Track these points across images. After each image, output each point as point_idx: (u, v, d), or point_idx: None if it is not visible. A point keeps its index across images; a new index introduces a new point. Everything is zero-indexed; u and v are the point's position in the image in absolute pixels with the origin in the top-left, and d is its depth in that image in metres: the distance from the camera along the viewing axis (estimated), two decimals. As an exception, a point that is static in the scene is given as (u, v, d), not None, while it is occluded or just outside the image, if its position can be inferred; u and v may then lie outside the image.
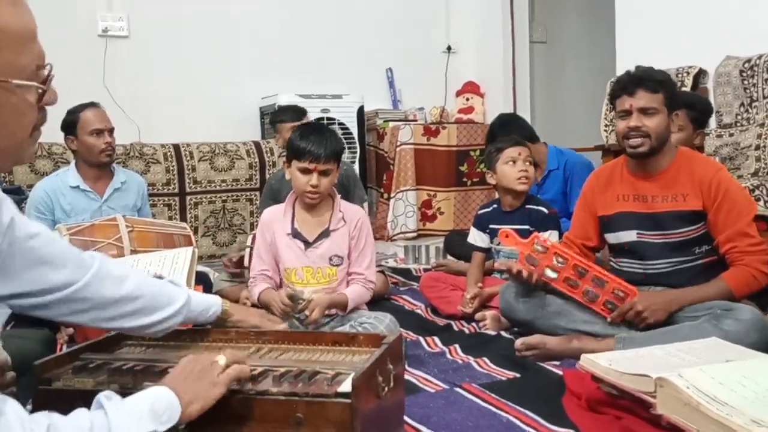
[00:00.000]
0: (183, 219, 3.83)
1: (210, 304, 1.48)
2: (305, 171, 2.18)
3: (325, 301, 2.11)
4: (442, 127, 4.68)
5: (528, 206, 2.70)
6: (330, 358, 1.34)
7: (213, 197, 3.97)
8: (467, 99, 5.10)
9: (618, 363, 1.56)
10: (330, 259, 2.24)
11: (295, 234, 2.26)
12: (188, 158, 3.94)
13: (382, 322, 2.09)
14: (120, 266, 1.29)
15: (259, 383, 1.17)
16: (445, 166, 4.65)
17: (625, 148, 2.14)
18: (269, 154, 4.12)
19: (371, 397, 1.19)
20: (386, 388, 1.24)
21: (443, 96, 5.12)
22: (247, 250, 2.75)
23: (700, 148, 3.21)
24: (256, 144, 4.16)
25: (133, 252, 2.38)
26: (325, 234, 2.25)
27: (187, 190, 3.91)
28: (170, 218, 3.77)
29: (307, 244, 2.25)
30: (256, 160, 4.09)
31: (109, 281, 1.22)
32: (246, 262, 2.75)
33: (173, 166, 3.89)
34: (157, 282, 1.35)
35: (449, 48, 5.17)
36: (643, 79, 2.08)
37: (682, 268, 2.11)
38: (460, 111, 5.06)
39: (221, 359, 1.12)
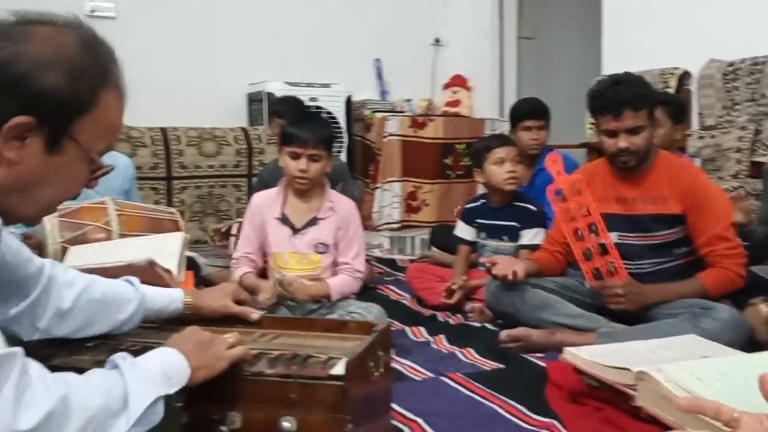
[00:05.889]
0: (169, 203, 3.82)
1: (170, 299, 1.38)
2: (294, 156, 2.20)
3: (306, 287, 2.12)
4: (429, 119, 4.71)
5: (516, 203, 2.73)
6: (322, 343, 1.36)
7: (200, 182, 3.97)
8: (454, 92, 5.12)
9: (599, 356, 1.60)
10: (315, 247, 2.26)
11: (284, 219, 2.28)
12: (175, 142, 3.93)
13: (371, 312, 2.12)
14: (66, 273, 1.21)
15: (255, 365, 1.19)
16: (431, 159, 4.67)
17: (614, 163, 2.17)
18: (257, 141, 4.12)
19: (362, 381, 1.21)
20: (376, 374, 1.26)
21: (430, 88, 5.15)
22: (235, 225, 2.76)
23: (682, 148, 3.27)
24: (244, 130, 4.16)
25: (122, 236, 2.37)
26: (312, 222, 2.27)
27: (174, 174, 3.90)
28: (156, 202, 3.75)
29: (294, 230, 2.27)
30: (244, 146, 4.08)
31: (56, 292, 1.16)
32: (234, 230, 2.77)
33: (161, 150, 3.87)
34: (106, 286, 1.26)
35: (437, 40, 5.18)
36: (629, 100, 2.05)
37: (663, 268, 2.17)
38: (447, 104, 5.07)
39: (229, 337, 1.14)
